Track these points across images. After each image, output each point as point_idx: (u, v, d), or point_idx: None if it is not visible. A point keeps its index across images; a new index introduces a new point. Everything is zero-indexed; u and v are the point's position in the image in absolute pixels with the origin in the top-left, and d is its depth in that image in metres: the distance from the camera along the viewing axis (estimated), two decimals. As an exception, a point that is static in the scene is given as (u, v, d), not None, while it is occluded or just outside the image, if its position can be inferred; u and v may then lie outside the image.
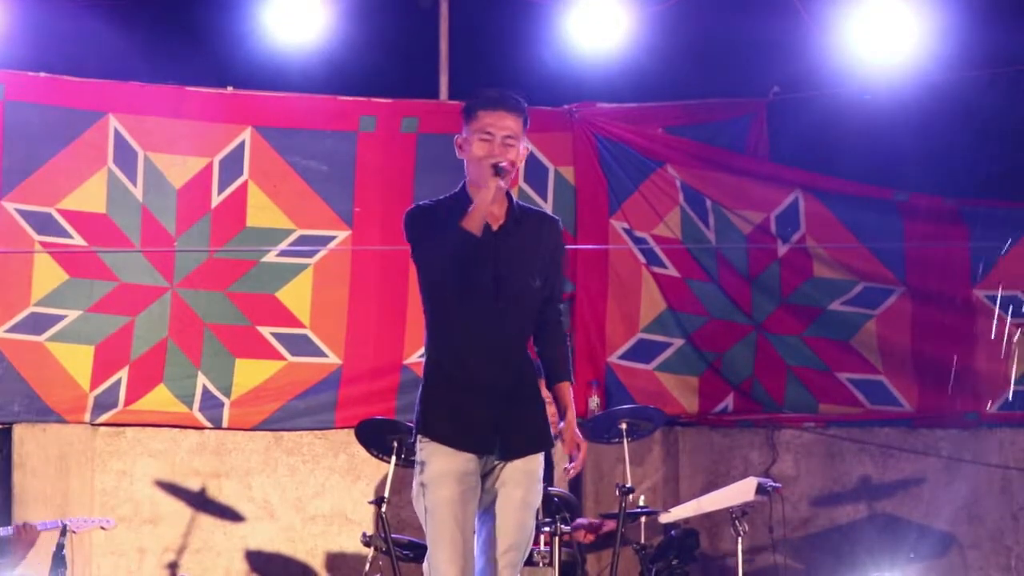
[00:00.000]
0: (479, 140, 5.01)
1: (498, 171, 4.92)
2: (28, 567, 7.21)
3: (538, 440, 5.05)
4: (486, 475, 5.01)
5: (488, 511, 5.00)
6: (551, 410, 5.52)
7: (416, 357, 8.18)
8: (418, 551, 6.13)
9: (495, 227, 5.03)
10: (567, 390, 5.13)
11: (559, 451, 7.98)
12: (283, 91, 8.33)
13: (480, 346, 5.00)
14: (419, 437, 5.02)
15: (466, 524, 4.92)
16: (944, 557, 8.38)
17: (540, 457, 5.07)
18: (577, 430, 5.10)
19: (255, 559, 8.23)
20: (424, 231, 5.03)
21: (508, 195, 5.09)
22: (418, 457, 5.01)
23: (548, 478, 7.55)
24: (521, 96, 5.07)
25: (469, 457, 4.95)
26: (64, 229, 8.07)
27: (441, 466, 4.93)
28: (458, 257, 4.90)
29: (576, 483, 8.35)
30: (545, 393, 5.21)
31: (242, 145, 8.27)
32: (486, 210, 4.94)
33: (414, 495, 5.01)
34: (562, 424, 5.08)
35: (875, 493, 8.44)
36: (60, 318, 8.03)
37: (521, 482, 4.99)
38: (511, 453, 4.99)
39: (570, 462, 5.10)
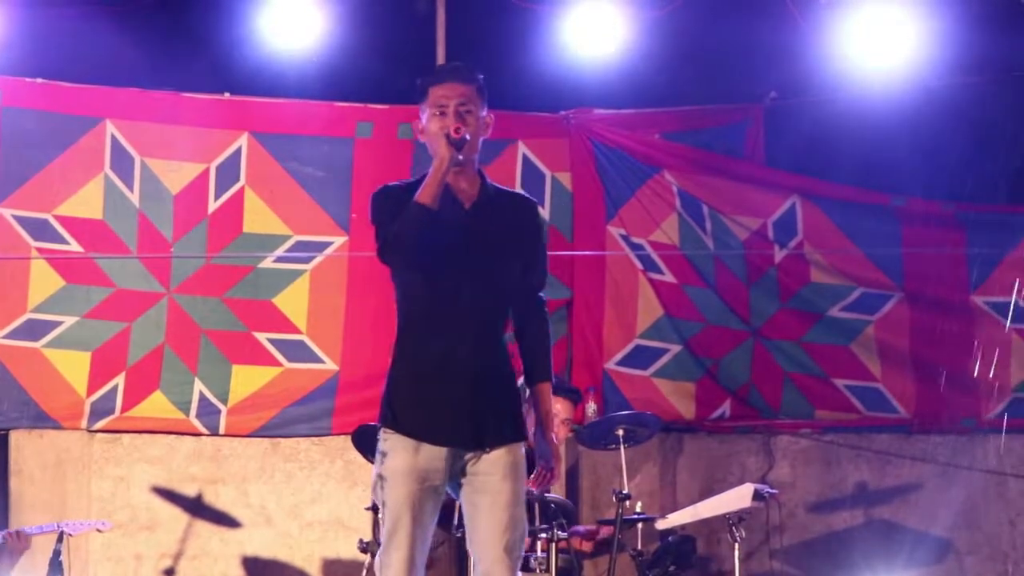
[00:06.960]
0: (434, 116, 4.82)
1: (451, 141, 4.70)
2: (24, 573, 7.21)
3: (517, 428, 4.78)
4: (463, 467, 4.75)
5: (476, 508, 4.75)
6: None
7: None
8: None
9: (467, 205, 4.84)
10: (547, 392, 4.86)
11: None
12: (280, 97, 8.33)
13: (452, 331, 4.73)
14: (383, 429, 4.79)
15: (424, 521, 4.71)
16: (941, 563, 8.38)
17: (522, 448, 4.79)
18: (555, 439, 4.81)
19: (252, 565, 8.22)
20: (390, 213, 4.75)
21: (481, 173, 4.90)
22: (380, 447, 4.77)
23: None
24: (473, 68, 4.86)
25: (435, 451, 4.71)
26: (61, 235, 8.06)
27: (404, 461, 4.71)
28: (419, 234, 4.64)
29: (573, 489, 8.34)
30: None
31: (239, 151, 8.26)
32: (440, 180, 4.69)
33: (373, 484, 4.78)
34: (533, 431, 4.81)
35: (872, 499, 8.43)
36: (57, 324, 8.02)
37: (509, 474, 4.71)
38: (487, 442, 4.72)
39: (541, 476, 4.82)
